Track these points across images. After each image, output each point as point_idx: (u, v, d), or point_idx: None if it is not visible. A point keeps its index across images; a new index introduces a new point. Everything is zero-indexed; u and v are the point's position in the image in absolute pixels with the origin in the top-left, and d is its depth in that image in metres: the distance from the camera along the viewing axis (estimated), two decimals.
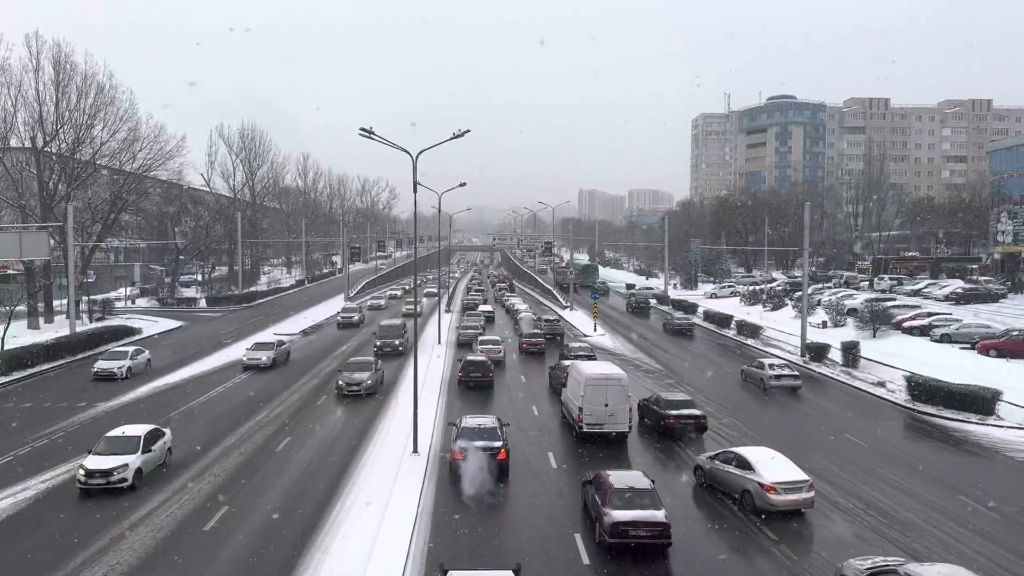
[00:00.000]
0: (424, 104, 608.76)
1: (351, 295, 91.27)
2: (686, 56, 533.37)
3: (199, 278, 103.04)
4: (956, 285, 72.89)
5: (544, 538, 19.92)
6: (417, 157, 28.81)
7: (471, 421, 26.35)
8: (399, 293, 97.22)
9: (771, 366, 40.90)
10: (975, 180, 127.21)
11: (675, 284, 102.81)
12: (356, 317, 68.56)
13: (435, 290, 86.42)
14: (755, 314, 69.45)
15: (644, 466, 25.58)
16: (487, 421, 26.38)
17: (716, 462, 23.64)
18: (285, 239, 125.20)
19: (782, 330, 59.29)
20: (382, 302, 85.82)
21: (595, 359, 42.06)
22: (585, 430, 28.93)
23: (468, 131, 28.75)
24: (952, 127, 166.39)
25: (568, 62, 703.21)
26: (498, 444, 24.83)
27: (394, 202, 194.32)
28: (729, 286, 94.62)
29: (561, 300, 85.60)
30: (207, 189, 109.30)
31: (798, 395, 39.19)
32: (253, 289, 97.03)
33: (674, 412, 30.14)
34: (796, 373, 40.94)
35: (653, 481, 20.52)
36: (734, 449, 23.96)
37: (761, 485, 21.30)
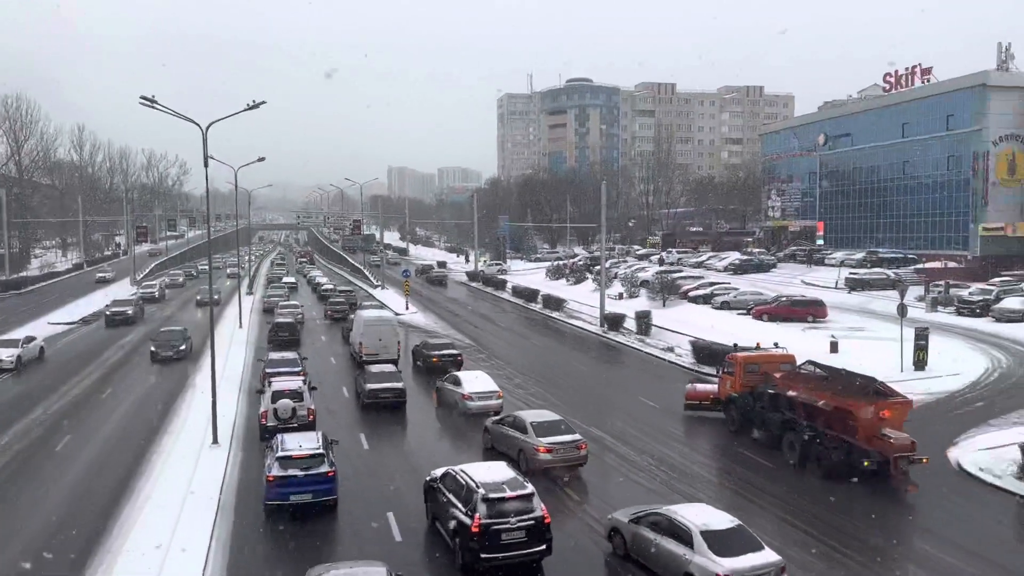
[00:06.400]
0: (217, 74, 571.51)
1: (138, 278, 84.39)
2: (491, 35, 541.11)
3: None
4: (734, 257, 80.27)
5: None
6: (207, 129, 27.02)
7: (276, 355, 35.45)
8: (181, 279, 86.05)
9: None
10: (750, 160, 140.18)
11: (485, 260, 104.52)
12: (131, 311, 56.59)
13: (235, 271, 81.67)
14: (559, 288, 72.43)
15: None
16: (289, 354, 35.68)
17: (444, 383, 31.41)
18: (59, 218, 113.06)
19: (583, 302, 62.07)
20: (155, 292, 70.98)
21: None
22: (365, 359, 36.93)
23: (263, 102, 27.27)
24: (730, 112, 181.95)
25: (375, 38, 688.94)
26: (297, 369, 33.05)
27: (185, 178, 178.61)
28: (538, 259, 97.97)
29: (372, 279, 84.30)
30: None
31: (599, 363, 41.60)
32: (23, 274, 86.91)
33: (437, 352, 38.38)
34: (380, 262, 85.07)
35: (400, 370, 33.27)
36: (454, 373, 32.05)
37: (462, 395, 29.32)
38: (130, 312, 56.41)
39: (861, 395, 22.59)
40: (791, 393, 24.66)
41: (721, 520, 16.09)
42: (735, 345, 33.88)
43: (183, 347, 42.08)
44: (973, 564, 17.27)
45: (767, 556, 15.21)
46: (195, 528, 18.86)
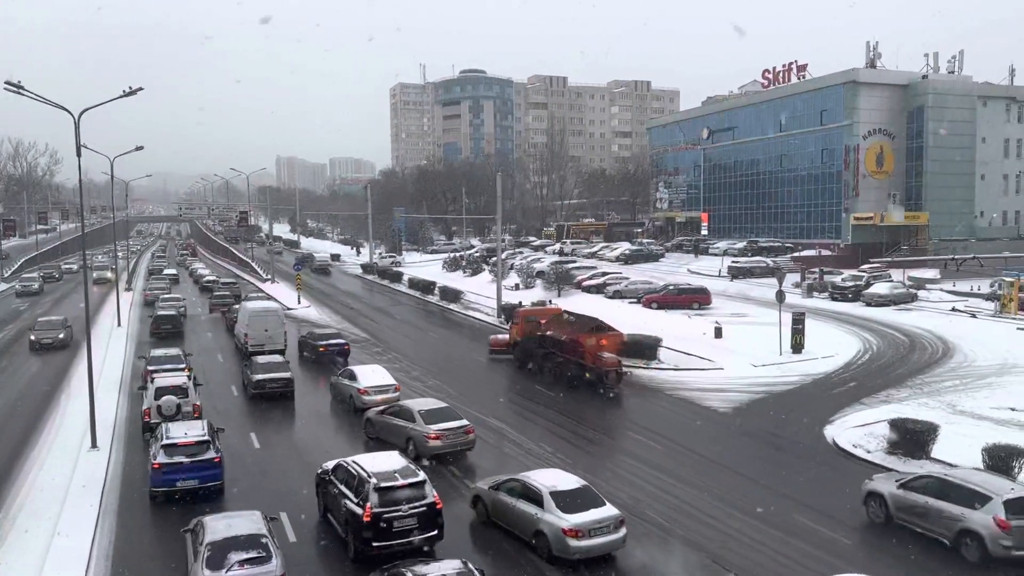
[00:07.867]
0: (92, 60, 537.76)
1: (6, 275, 78.65)
2: (382, 20, 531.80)
3: None
4: (625, 247, 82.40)
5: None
6: (80, 116, 25.40)
7: (159, 351, 34.15)
8: (36, 284, 70.49)
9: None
10: (639, 153, 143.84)
11: (380, 253, 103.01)
12: None
13: (104, 274, 73.78)
14: (456, 280, 72.24)
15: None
16: (172, 350, 34.20)
17: (339, 377, 30.76)
18: None
19: (480, 294, 62.13)
20: None
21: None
22: (251, 350, 36.51)
23: (140, 88, 25.93)
24: (620, 105, 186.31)
25: (263, 23, 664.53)
26: (180, 365, 31.48)
27: (56, 168, 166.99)
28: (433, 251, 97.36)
29: (261, 273, 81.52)
30: None
31: (497, 354, 41.96)
32: None
33: (323, 342, 38.46)
34: None
35: (288, 361, 33.18)
36: (349, 367, 31.58)
37: (358, 390, 28.73)
38: None
39: (587, 330, 32.39)
40: (549, 333, 34.33)
41: (568, 481, 17.86)
42: (519, 303, 43.81)
43: None
44: (848, 535, 18.45)
45: (607, 511, 16.99)
46: (75, 533, 18.05)
